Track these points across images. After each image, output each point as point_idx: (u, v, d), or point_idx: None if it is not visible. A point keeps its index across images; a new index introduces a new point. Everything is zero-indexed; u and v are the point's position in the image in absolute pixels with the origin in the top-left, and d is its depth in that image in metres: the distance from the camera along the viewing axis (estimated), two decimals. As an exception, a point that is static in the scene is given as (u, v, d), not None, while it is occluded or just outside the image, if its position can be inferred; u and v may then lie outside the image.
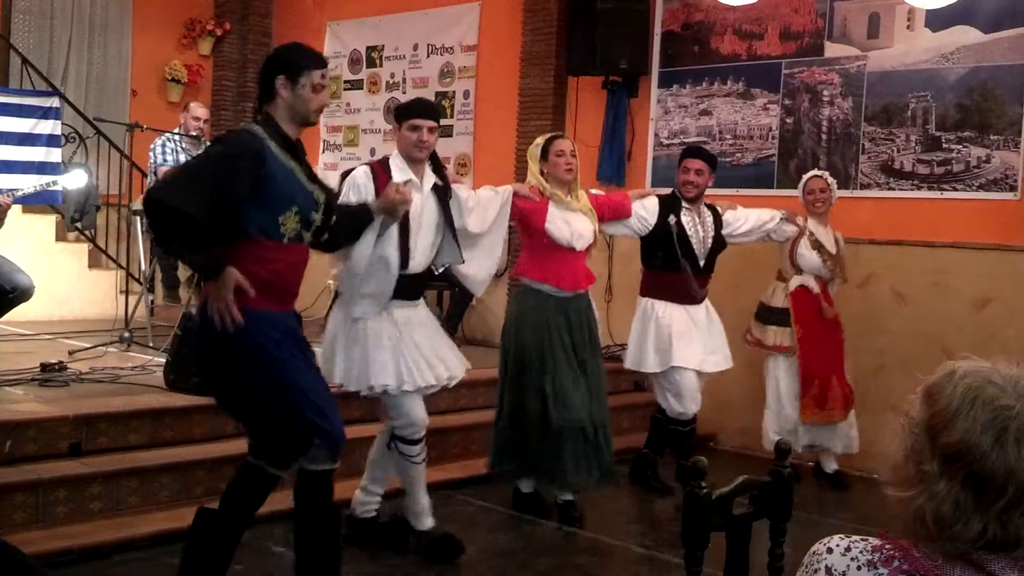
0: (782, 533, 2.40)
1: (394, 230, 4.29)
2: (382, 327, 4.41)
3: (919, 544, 1.50)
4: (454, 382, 4.70)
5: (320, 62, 3.73)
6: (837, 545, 1.56)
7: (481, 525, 5.14)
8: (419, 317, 4.60)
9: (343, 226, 4.05)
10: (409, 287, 4.48)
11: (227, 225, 3.51)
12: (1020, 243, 6.28)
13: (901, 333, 6.61)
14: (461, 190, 4.82)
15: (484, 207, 4.92)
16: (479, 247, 4.90)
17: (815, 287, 6.09)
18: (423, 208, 4.47)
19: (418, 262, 4.48)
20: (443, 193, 4.60)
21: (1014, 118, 6.33)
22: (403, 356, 4.42)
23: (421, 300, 4.68)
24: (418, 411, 4.54)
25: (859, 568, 1.52)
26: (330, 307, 4.73)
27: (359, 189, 4.33)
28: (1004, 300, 6.31)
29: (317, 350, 4.04)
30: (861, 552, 1.53)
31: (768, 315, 6.22)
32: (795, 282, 6.12)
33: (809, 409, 6.07)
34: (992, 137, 6.42)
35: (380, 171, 4.41)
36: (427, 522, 4.68)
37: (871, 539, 1.56)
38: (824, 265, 6.09)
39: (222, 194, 3.44)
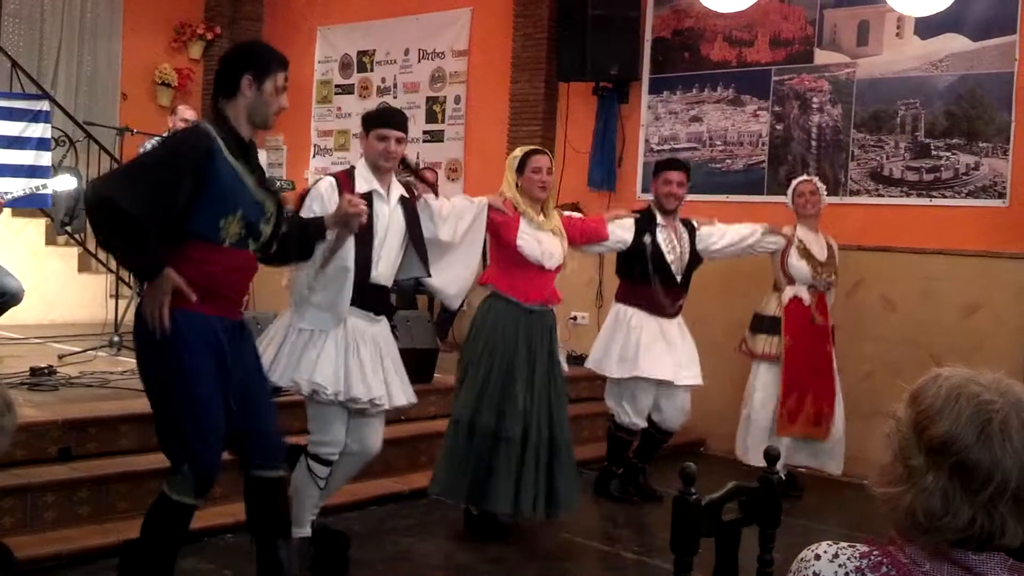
0: (771, 539, 2.41)
1: (351, 241, 4.10)
2: (330, 330, 4.20)
3: (906, 549, 1.52)
4: (383, 407, 4.35)
5: (285, 63, 3.59)
6: (825, 552, 1.57)
7: (471, 531, 5.12)
8: (373, 332, 4.34)
9: (294, 239, 3.87)
10: (370, 297, 4.28)
11: (169, 224, 3.36)
12: (1008, 250, 6.31)
13: (890, 340, 6.63)
14: (432, 199, 4.67)
15: (457, 217, 4.74)
16: (452, 258, 4.74)
17: (807, 298, 6.04)
18: (390, 219, 4.32)
19: (381, 272, 4.29)
20: (411, 205, 4.45)
21: (1002, 125, 6.37)
22: (345, 362, 4.19)
23: (383, 318, 4.42)
24: (339, 430, 4.31)
25: (847, 574, 1.53)
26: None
27: (322, 200, 4.14)
28: (992, 307, 6.34)
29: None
30: (849, 559, 1.54)
31: (760, 324, 6.20)
32: (788, 292, 6.06)
33: (782, 422, 6.00)
34: (981, 144, 6.46)
35: (345, 182, 4.24)
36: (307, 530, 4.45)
37: (859, 546, 1.57)
38: (814, 274, 6.06)
39: (166, 191, 3.30)
